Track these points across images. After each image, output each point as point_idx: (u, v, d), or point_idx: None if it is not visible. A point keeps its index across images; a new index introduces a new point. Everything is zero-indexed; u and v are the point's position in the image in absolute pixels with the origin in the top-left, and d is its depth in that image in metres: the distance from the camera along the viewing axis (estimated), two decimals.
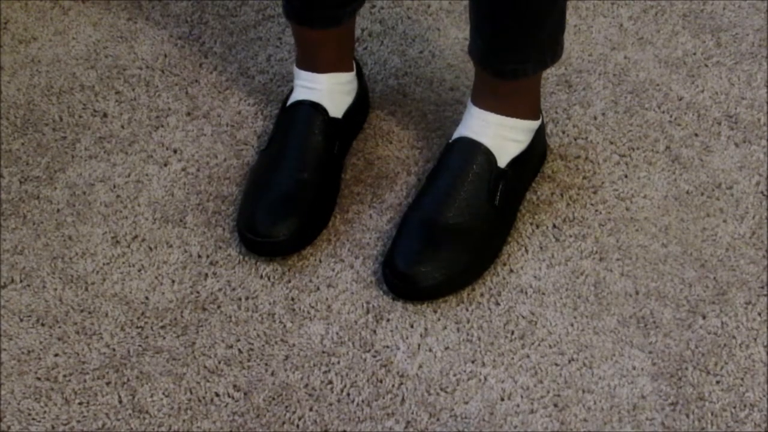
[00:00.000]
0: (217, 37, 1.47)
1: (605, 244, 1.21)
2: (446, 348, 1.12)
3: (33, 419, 1.08)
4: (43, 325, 1.16)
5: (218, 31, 1.48)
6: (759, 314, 1.14)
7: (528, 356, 1.11)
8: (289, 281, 1.19)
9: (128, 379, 1.11)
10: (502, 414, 1.07)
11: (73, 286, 1.19)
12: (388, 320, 1.15)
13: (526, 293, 1.16)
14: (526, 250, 1.20)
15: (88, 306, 1.17)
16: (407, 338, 1.13)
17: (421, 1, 1.51)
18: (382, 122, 1.35)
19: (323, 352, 1.13)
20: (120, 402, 1.09)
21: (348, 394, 1.09)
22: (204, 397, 1.09)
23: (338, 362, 1.12)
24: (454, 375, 1.10)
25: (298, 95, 1.26)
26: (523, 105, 1.21)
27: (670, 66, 1.40)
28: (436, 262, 1.15)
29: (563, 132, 1.32)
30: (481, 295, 1.16)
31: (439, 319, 1.15)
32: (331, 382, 1.10)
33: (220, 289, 1.18)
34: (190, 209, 1.26)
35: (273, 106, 1.37)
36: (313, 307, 1.16)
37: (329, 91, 1.25)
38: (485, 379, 1.10)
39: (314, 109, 1.24)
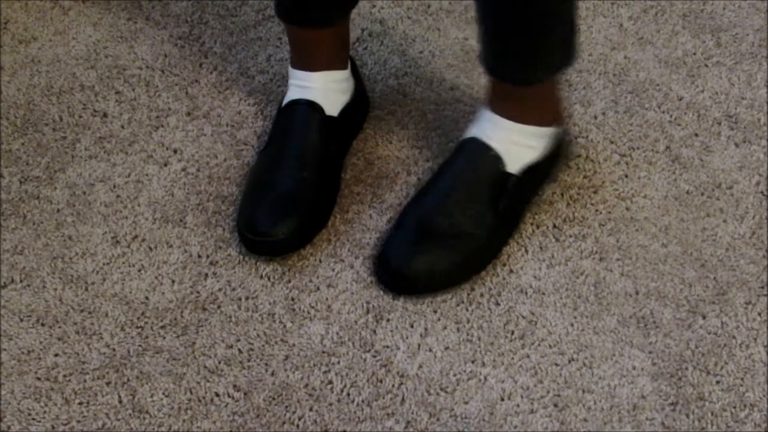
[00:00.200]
0: (217, 37, 1.47)
1: (605, 244, 1.21)
2: (446, 348, 1.12)
3: (33, 419, 1.08)
4: (43, 325, 1.16)
5: (218, 31, 1.48)
6: (759, 314, 1.14)
7: (528, 356, 1.11)
8: (289, 281, 1.19)
9: (128, 379, 1.11)
10: (502, 414, 1.07)
11: (73, 286, 1.19)
12: (388, 320, 1.15)
13: (526, 293, 1.16)
14: (526, 251, 1.20)
15: (88, 306, 1.17)
16: (407, 338, 1.13)
17: (421, 1, 1.51)
18: (382, 122, 1.35)
19: (323, 352, 1.13)
20: (120, 402, 1.09)
21: (348, 394, 1.09)
22: (204, 397, 1.09)
23: (338, 362, 1.12)
24: (454, 375, 1.10)
25: (292, 94, 1.27)
26: (538, 111, 1.18)
27: (670, 66, 1.40)
28: (428, 259, 1.15)
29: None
30: (481, 295, 1.16)
31: (439, 319, 1.15)
32: (331, 382, 1.10)
33: (220, 289, 1.18)
34: (190, 209, 1.26)
35: (273, 106, 1.37)
36: (313, 307, 1.16)
37: (323, 89, 1.26)
38: (485, 379, 1.10)
39: (310, 107, 1.24)
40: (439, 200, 1.18)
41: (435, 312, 1.15)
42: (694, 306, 1.15)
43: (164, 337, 1.14)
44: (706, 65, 1.40)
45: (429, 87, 1.39)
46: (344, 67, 1.28)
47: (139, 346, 1.14)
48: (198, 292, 1.18)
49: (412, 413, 1.08)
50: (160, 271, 1.20)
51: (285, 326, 1.15)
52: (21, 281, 1.20)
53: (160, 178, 1.29)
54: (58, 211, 1.27)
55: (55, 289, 1.19)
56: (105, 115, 1.38)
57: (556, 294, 1.16)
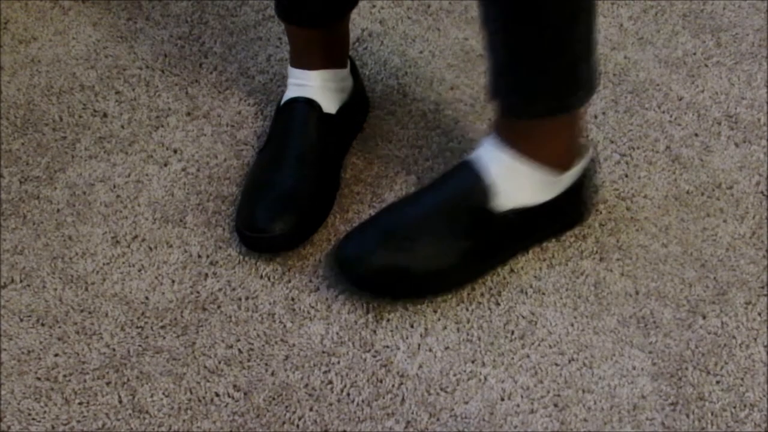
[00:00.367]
0: (217, 37, 1.47)
1: (605, 244, 1.21)
2: (446, 348, 1.12)
3: (33, 419, 1.08)
4: (43, 325, 1.16)
5: (218, 31, 1.48)
6: (759, 314, 1.14)
7: (528, 356, 1.11)
8: (289, 281, 1.19)
9: (128, 379, 1.11)
10: (502, 414, 1.07)
11: (73, 286, 1.19)
12: (388, 320, 1.15)
13: (526, 293, 1.16)
14: (526, 251, 1.20)
15: (88, 306, 1.17)
16: (407, 338, 1.13)
17: (421, 1, 1.51)
18: (382, 122, 1.35)
19: (323, 352, 1.13)
20: (120, 402, 1.09)
21: (348, 394, 1.09)
22: (204, 397, 1.09)
23: (338, 362, 1.12)
24: (454, 375, 1.10)
25: (290, 93, 1.27)
26: (541, 150, 1.09)
27: (670, 66, 1.40)
28: (382, 263, 1.12)
29: None
30: (481, 295, 1.16)
31: (439, 319, 1.15)
32: (331, 382, 1.10)
33: (220, 289, 1.18)
34: (190, 209, 1.26)
35: (273, 106, 1.37)
36: (313, 307, 1.16)
37: (321, 87, 1.26)
38: (485, 379, 1.10)
39: (308, 105, 1.24)
40: (412, 221, 1.13)
41: (435, 312, 1.15)
42: (694, 306, 1.15)
43: (164, 337, 1.14)
44: (706, 65, 1.40)
45: (429, 87, 1.39)
46: (343, 66, 1.28)
47: (139, 346, 1.14)
48: (198, 292, 1.18)
49: (412, 413, 1.08)
50: (160, 271, 1.20)
51: (285, 326, 1.15)
52: (21, 281, 1.20)
53: (160, 178, 1.29)
54: (58, 211, 1.27)
55: (55, 289, 1.19)
56: (105, 115, 1.38)
57: (556, 294, 1.16)
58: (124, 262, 1.21)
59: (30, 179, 1.30)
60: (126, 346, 1.14)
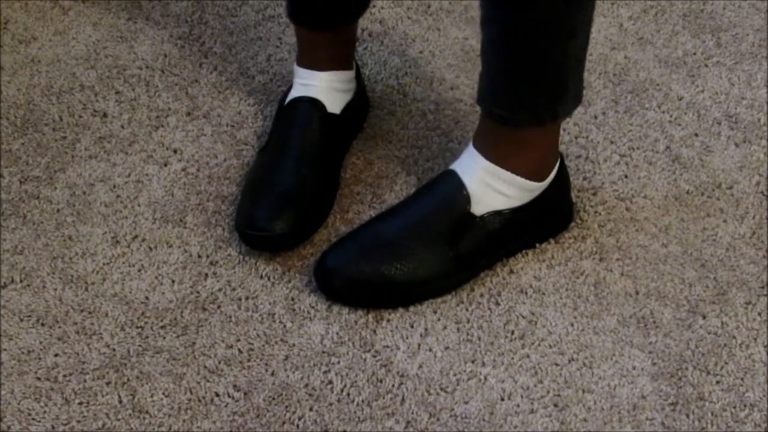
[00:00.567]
0: (217, 37, 1.47)
1: (605, 244, 1.21)
2: (446, 348, 1.12)
3: (33, 419, 1.08)
4: (43, 325, 1.16)
5: (218, 31, 1.48)
6: (759, 314, 1.14)
7: (528, 356, 1.11)
8: (289, 281, 1.19)
9: (128, 379, 1.11)
10: (502, 414, 1.07)
11: (73, 286, 1.19)
12: (388, 320, 1.15)
13: (526, 293, 1.16)
14: (526, 251, 1.20)
15: (88, 306, 1.17)
16: (407, 338, 1.13)
17: (421, 1, 1.51)
18: (382, 122, 1.35)
19: (323, 352, 1.13)
20: (120, 402, 1.09)
21: (348, 394, 1.09)
22: (204, 397, 1.09)
23: (338, 362, 1.12)
24: (454, 375, 1.10)
25: (295, 92, 1.27)
26: (520, 158, 1.12)
27: (670, 66, 1.40)
28: (364, 274, 1.13)
29: (564, 131, 1.32)
30: (481, 295, 1.16)
31: (439, 319, 1.15)
32: (331, 382, 1.10)
33: (220, 289, 1.18)
34: (190, 209, 1.26)
35: (273, 106, 1.37)
36: (313, 307, 1.16)
37: (327, 88, 1.26)
38: (485, 379, 1.10)
39: (312, 105, 1.25)
40: (398, 231, 1.15)
41: (435, 312, 1.15)
42: (694, 306, 1.15)
43: (164, 337, 1.14)
44: (706, 65, 1.40)
45: (429, 87, 1.39)
46: (350, 68, 1.29)
47: (139, 346, 1.14)
48: (198, 292, 1.18)
49: (412, 413, 1.08)
50: (160, 271, 1.20)
51: (285, 326, 1.15)
52: (21, 281, 1.20)
53: (160, 178, 1.29)
54: (58, 211, 1.27)
55: (55, 289, 1.19)
56: (105, 115, 1.38)
57: (556, 294, 1.16)
58: (124, 262, 1.21)
59: (30, 179, 1.30)
60: (126, 346, 1.14)
